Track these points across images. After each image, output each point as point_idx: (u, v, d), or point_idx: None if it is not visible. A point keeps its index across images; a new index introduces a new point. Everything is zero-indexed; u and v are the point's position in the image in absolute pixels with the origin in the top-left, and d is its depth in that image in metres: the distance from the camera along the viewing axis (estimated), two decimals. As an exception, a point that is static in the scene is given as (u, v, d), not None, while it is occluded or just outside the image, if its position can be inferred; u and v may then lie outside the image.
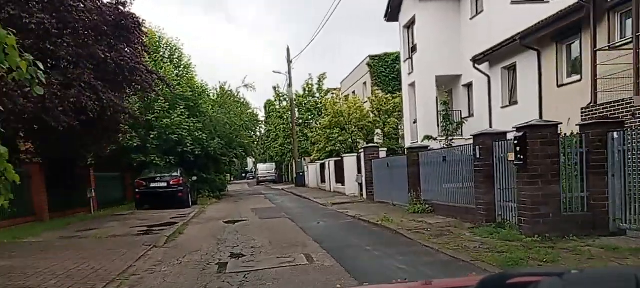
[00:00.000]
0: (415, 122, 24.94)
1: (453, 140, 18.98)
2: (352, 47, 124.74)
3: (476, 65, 19.06)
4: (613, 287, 0.93)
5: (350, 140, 31.83)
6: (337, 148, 32.67)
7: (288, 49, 35.30)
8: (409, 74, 24.36)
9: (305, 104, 42.06)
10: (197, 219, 15.85)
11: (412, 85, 24.05)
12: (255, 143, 57.27)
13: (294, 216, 15.36)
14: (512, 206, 8.94)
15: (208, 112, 25.01)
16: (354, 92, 36.14)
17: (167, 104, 22.78)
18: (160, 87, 20.12)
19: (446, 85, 21.63)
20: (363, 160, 18.48)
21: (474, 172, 9.94)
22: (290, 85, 35.30)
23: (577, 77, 14.61)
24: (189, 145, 23.04)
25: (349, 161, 21.30)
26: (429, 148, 14.17)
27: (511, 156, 8.69)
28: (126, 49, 14.67)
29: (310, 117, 41.73)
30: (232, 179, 77.33)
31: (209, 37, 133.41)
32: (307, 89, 42.45)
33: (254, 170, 56.39)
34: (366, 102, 31.96)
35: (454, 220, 10.97)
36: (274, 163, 50.01)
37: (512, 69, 18.10)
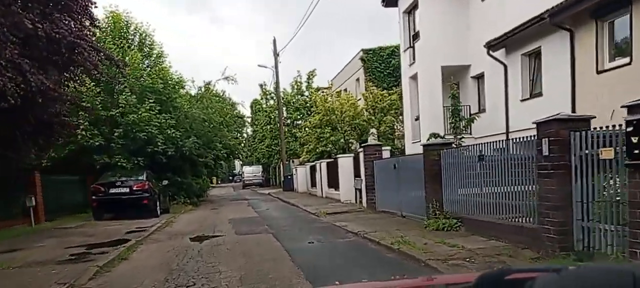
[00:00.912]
0: (417, 118, 21.97)
1: (462, 139, 15.89)
2: (344, 45, 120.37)
3: (491, 52, 16.07)
4: (610, 283, 0.88)
5: (342, 140, 28.68)
6: (328, 149, 29.52)
7: (274, 41, 31.94)
8: (410, 64, 21.36)
9: (293, 102, 38.76)
10: (158, 234, 12.46)
11: (414, 77, 21.04)
12: (242, 144, 53.92)
13: (279, 231, 12.04)
14: (608, 229, 5.75)
15: (183, 107, 21.55)
16: (345, 90, 33.03)
17: (134, 96, 19.34)
18: (123, 78, 16.83)
19: (453, 77, 18.55)
20: (362, 161, 15.24)
21: (539, 176, 6.71)
22: (277, 80, 31.93)
23: (625, 60, 11.58)
24: (160, 144, 19.59)
25: (345, 162, 18.05)
26: (453, 145, 10.99)
27: (608, 153, 5.52)
28: (66, 21, 11.25)
29: (299, 117, 38.45)
30: (219, 182, 73.55)
31: (193, 37, 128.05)
32: (295, 87, 39.15)
33: (241, 173, 52.75)
34: (360, 99, 28.85)
35: (501, 243, 7.73)
36: (260, 166, 46.49)
37: (535, 55, 15.05)
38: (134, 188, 16.08)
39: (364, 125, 28.21)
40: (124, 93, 19.00)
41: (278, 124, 35.37)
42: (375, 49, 31.94)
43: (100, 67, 12.32)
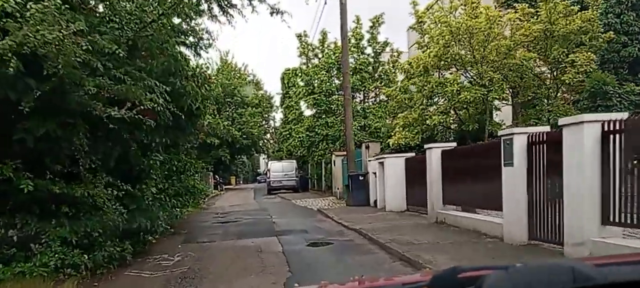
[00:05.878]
0: None
1: None
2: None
3: None
4: (552, 278, 0.92)
5: (484, 98, 13.32)
6: (446, 122, 14.15)
7: None
8: None
9: (350, 62, 23.38)
10: None
11: None
12: (267, 134, 38.65)
13: None
14: None
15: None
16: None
17: None
18: None
19: None
20: None
21: None
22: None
23: None
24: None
25: None
26: None
27: None
28: None
29: (358, 84, 22.98)
30: (240, 182, 57.84)
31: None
32: (352, 40, 23.75)
33: (266, 171, 36.28)
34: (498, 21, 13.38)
35: None
36: (294, 162, 30.85)
37: None
38: None
39: (523, 68, 12.83)
40: None
41: (332, 90, 19.68)
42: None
43: None
